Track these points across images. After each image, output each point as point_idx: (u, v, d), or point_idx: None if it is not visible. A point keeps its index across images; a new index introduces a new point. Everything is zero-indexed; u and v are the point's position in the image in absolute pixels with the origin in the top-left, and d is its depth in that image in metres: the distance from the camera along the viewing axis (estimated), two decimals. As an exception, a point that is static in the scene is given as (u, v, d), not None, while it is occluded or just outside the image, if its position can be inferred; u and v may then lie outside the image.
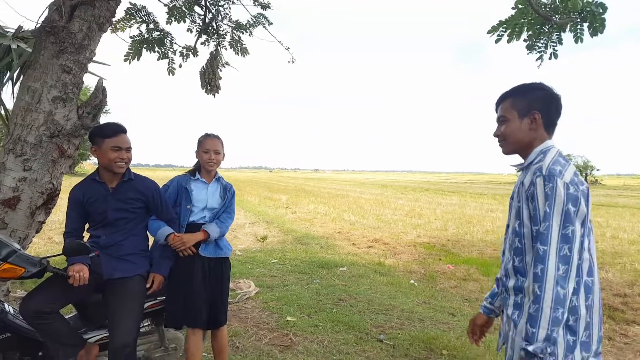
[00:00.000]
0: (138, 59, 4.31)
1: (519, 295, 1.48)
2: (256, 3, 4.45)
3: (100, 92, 2.79)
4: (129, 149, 2.37)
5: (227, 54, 4.77)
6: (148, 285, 2.44)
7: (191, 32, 4.58)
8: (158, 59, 4.45)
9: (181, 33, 4.98)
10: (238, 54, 4.79)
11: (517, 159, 1.62)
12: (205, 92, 4.50)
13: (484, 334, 1.82)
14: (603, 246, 8.40)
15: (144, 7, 4.16)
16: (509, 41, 3.24)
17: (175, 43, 4.53)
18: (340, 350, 3.42)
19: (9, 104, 3.25)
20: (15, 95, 2.87)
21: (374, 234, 9.45)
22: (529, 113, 1.53)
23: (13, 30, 3.13)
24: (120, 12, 3.62)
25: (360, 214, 13.58)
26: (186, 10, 4.37)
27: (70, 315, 2.49)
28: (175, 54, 4.55)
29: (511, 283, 1.50)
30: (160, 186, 2.64)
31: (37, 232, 2.87)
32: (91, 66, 2.99)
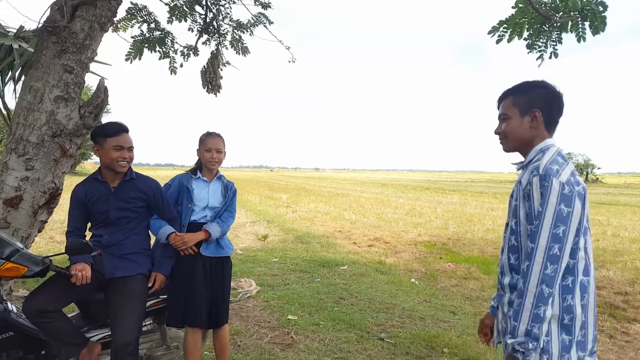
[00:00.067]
0: (139, 59, 4.33)
1: (514, 293, 1.49)
2: (257, 2, 4.46)
3: (102, 91, 2.79)
4: (130, 148, 2.38)
5: (228, 54, 4.78)
6: (150, 285, 2.45)
7: (192, 31, 4.59)
8: (159, 59, 4.46)
9: (182, 32, 4.98)
10: (239, 54, 4.80)
11: (518, 156, 1.62)
12: (207, 91, 4.51)
13: (494, 333, 1.84)
14: (604, 244, 8.41)
15: (145, 7, 4.17)
16: (509, 41, 3.25)
17: (177, 42, 4.54)
18: (341, 349, 3.43)
19: (11, 103, 3.26)
20: (17, 94, 2.88)
21: (374, 233, 9.46)
22: (530, 111, 1.52)
23: (15, 30, 3.13)
24: (121, 12, 3.63)
25: (361, 212, 13.59)
26: (187, 10, 4.38)
27: (73, 314, 2.50)
28: (176, 54, 4.56)
29: (507, 280, 1.51)
30: (162, 185, 2.65)
31: (40, 231, 2.88)
32: (92, 66, 3.00)
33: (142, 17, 4.19)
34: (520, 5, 3.18)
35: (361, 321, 4.01)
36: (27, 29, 3.11)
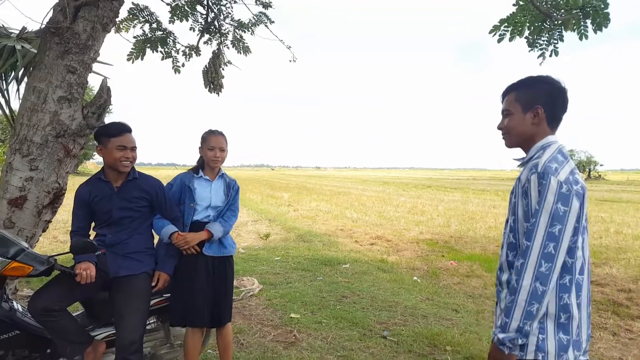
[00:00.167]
0: (142, 59, 4.34)
1: None
2: (258, 2, 4.47)
3: (104, 91, 2.81)
4: (133, 148, 2.39)
5: (230, 53, 4.79)
6: (153, 284, 2.46)
7: (194, 31, 4.61)
8: (162, 59, 4.47)
9: (184, 32, 5.00)
10: (240, 53, 4.81)
11: (520, 152, 1.60)
12: (208, 90, 4.52)
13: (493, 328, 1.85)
14: (607, 242, 8.40)
15: (146, 7, 4.18)
16: (511, 39, 3.25)
17: (178, 42, 4.55)
18: (344, 347, 3.45)
19: (15, 104, 3.27)
20: (20, 95, 2.90)
21: (376, 231, 9.47)
22: (532, 107, 1.51)
23: (17, 32, 3.15)
24: (123, 12, 3.64)
25: (363, 211, 13.59)
26: (189, 10, 4.39)
27: (78, 313, 2.52)
28: (178, 53, 4.57)
29: (504, 277, 1.52)
30: (164, 184, 2.66)
31: (44, 231, 2.90)
32: (94, 66, 3.01)
33: (143, 17, 4.20)
34: (521, 3, 3.18)
35: (364, 319, 4.03)
36: (30, 30, 3.12)
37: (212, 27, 4.60)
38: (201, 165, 2.74)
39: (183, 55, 4.64)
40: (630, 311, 4.46)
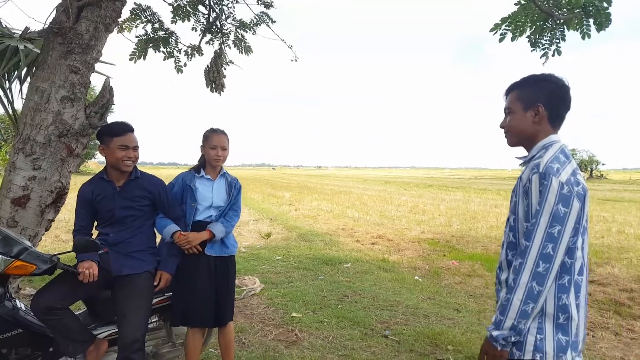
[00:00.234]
0: (144, 58, 4.35)
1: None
2: (259, 2, 4.48)
3: (107, 91, 2.82)
4: (136, 148, 2.40)
5: (231, 53, 4.80)
6: (155, 283, 2.47)
7: (196, 31, 4.62)
8: (164, 59, 4.49)
9: (186, 32, 5.01)
10: (242, 53, 4.82)
11: (523, 150, 1.60)
12: (210, 90, 4.53)
13: None
14: (609, 241, 8.38)
15: (148, 7, 4.20)
16: (513, 39, 3.24)
17: (180, 42, 4.56)
18: (345, 346, 3.45)
19: (18, 104, 3.29)
20: (23, 95, 2.91)
21: (377, 231, 9.47)
22: (533, 105, 1.50)
23: (20, 32, 3.16)
24: (125, 13, 3.65)
25: (364, 210, 13.59)
26: (191, 10, 4.40)
27: (80, 312, 2.53)
28: (180, 53, 4.59)
29: (504, 276, 1.52)
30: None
31: (47, 230, 2.91)
32: (97, 65, 3.02)
33: (146, 17, 4.22)
34: (523, 2, 3.17)
35: (365, 318, 4.03)
36: (33, 30, 3.14)
37: (214, 27, 4.61)
38: (203, 164, 2.72)
39: (185, 55, 4.65)
40: (632, 311, 4.46)
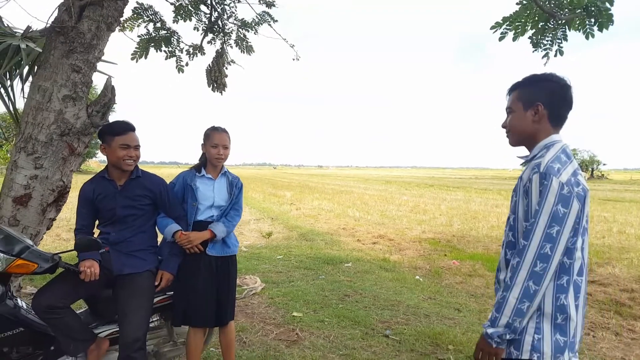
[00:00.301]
0: (145, 58, 4.36)
1: None
2: (261, 1, 4.48)
3: (109, 90, 2.82)
4: (137, 147, 2.40)
5: (233, 52, 4.81)
6: (156, 283, 2.47)
7: (197, 30, 4.62)
8: (166, 59, 4.49)
9: (187, 32, 5.01)
10: (243, 52, 4.82)
11: (524, 150, 1.59)
12: (212, 89, 4.53)
13: None
14: (610, 241, 8.37)
15: (150, 7, 4.20)
16: (514, 39, 3.24)
17: (182, 42, 4.56)
18: (346, 346, 3.46)
19: (19, 103, 3.29)
20: (25, 94, 2.92)
21: (378, 230, 9.47)
22: (533, 104, 1.50)
23: (22, 31, 3.16)
24: (127, 12, 3.65)
25: (365, 210, 13.59)
26: (192, 9, 4.41)
27: (81, 311, 2.53)
28: (182, 53, 4.59)
29: (502, 275, 1.51)
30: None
31: (48, 228, 2.92)
32: (99, 65, 3.03)
33: (148, 16, 4.22)
34: (524, 2, 3.17)
35: (366, 318, 4.03)
36: (35, 29, 3.14)
37: (216, 27, 4.61)
38: (203, 163, 2.70)
39: (187, 54, 4.65)
40: (632, 311, 4.45)
